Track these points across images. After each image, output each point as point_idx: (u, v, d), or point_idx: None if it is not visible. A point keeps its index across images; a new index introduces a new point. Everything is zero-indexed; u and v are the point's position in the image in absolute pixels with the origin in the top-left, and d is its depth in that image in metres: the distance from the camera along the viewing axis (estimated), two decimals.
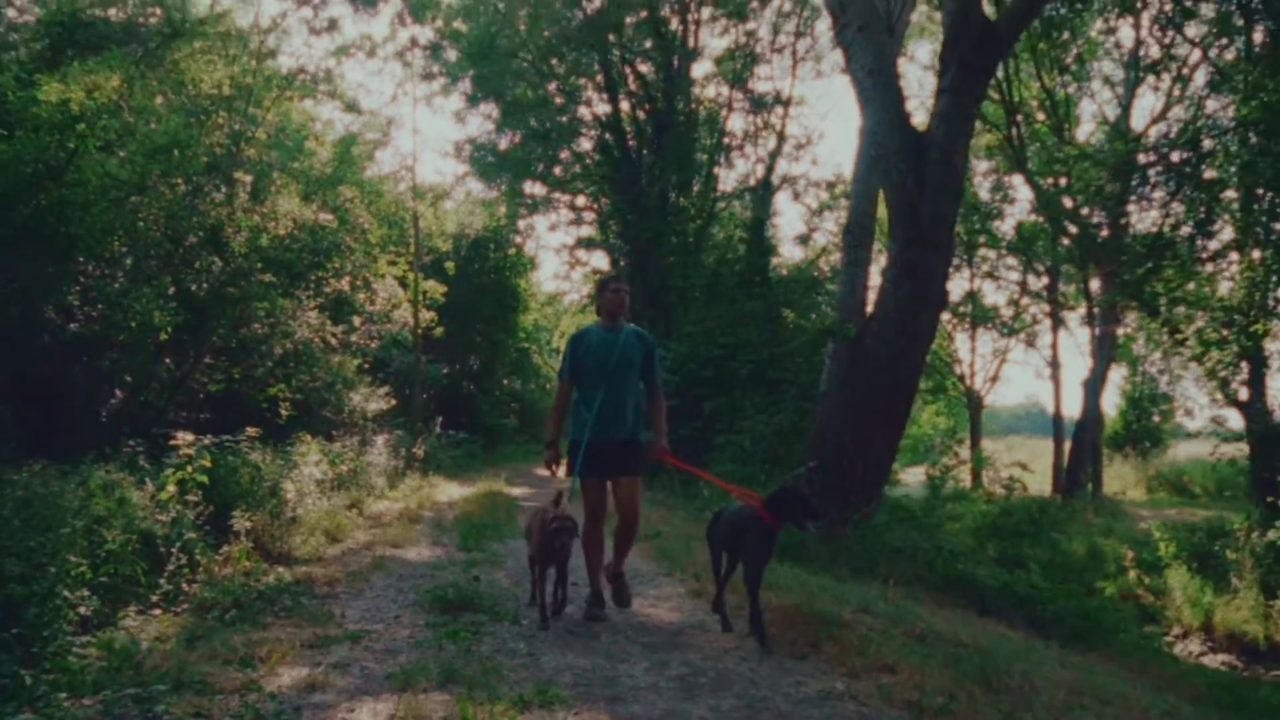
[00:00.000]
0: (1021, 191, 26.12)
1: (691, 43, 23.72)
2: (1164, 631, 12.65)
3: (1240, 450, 15.78)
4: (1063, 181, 19.28)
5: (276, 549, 8.12)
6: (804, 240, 28.10)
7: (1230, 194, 15.46)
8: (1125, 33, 21.22)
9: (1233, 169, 15.23)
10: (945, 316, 29.51)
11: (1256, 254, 14.64)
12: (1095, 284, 21.51)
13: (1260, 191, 14.55)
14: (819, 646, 5.06)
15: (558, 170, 27.05)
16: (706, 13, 24.10)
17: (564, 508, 5.63)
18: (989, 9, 17.79)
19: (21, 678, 4.12)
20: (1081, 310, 23.95)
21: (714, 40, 25.77)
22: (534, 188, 27.75)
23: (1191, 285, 15.94)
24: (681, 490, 14.15)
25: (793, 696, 4.30)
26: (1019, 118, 20.22)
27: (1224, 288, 15.83)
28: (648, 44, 23.46)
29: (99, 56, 11.09)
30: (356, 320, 17.30)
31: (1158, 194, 16.22)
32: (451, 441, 22.14)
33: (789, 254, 28.54)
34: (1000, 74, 18.58)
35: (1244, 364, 14.96)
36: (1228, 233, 15.61)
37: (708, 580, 6.27)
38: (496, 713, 3.92)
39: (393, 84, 49.08)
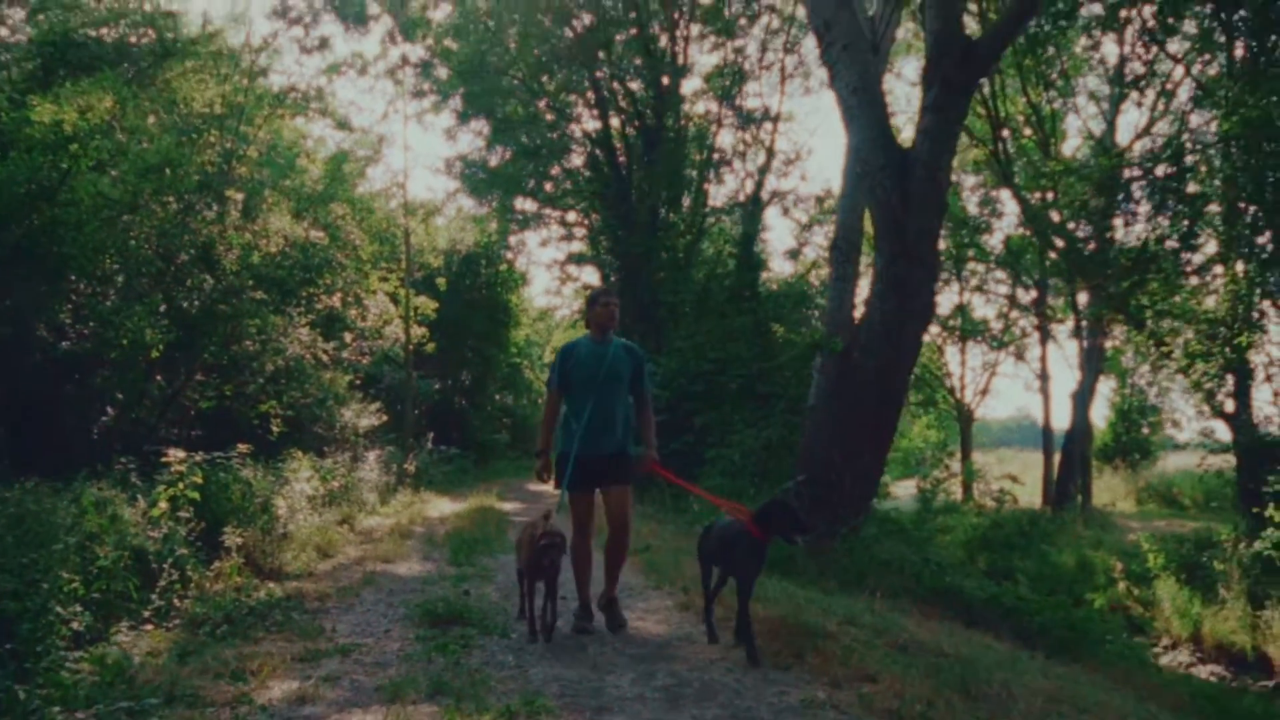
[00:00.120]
0: (1009, 206, 26.37)
1: (681, 60, 23.89)
2: (1153, 643, 12.73)
3: (1227, 462, 15.91)
4: (1050, 196, 19.46)
5: (268, 565, 8.16)
6: (794, 255, 28.29)
7: (1214, 208, 15.64)
8: (1110, 48, 21.47)
9: (1215, 183, 15.43)
10: (935, 330, 29.71)
11: (1240, 267, 14.81)
12: (1083, 297, 21.68)
13: (1242, 205, 14.72)
14: (803, 657, 5.13)
15: (548, 186, 27.19)
16: (695, 30, 24.30)
17: (553, 523, 5.64)
18: (974, 25, 18.15)
19: (15, 692, 4.16)
20: (1070, 323, 24.12)
21: (703, 57, 26.01)
22: (525, 204, 27.88)
23: (1178, 298, 16.10)
24: (672, 504, 14.21)
25: (775, 706, 4.37)
26: (1005, 133, 20.41)
27: (1209, 301, 15.99)
28: (637, 61, 23.60)
29: (91, 76, 11.17)
30: (348, 336, 17.35)
31: (1143, 208, 16.42)
32: (443, 457, 22.17)
33: (780, 268, 28.74)
34: (986, 90, 18.80)
35: (1229, 376, 15.10)
36: (1212, 246, 15.79)
37: (696, 593, 6.33)
38: None
39: (384, 101, 49.25)
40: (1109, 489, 27.65)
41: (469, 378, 30.61)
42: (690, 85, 25.60)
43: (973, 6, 18.49)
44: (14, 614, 4.94)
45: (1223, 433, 15.83)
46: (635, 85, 24.06)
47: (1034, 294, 27.45)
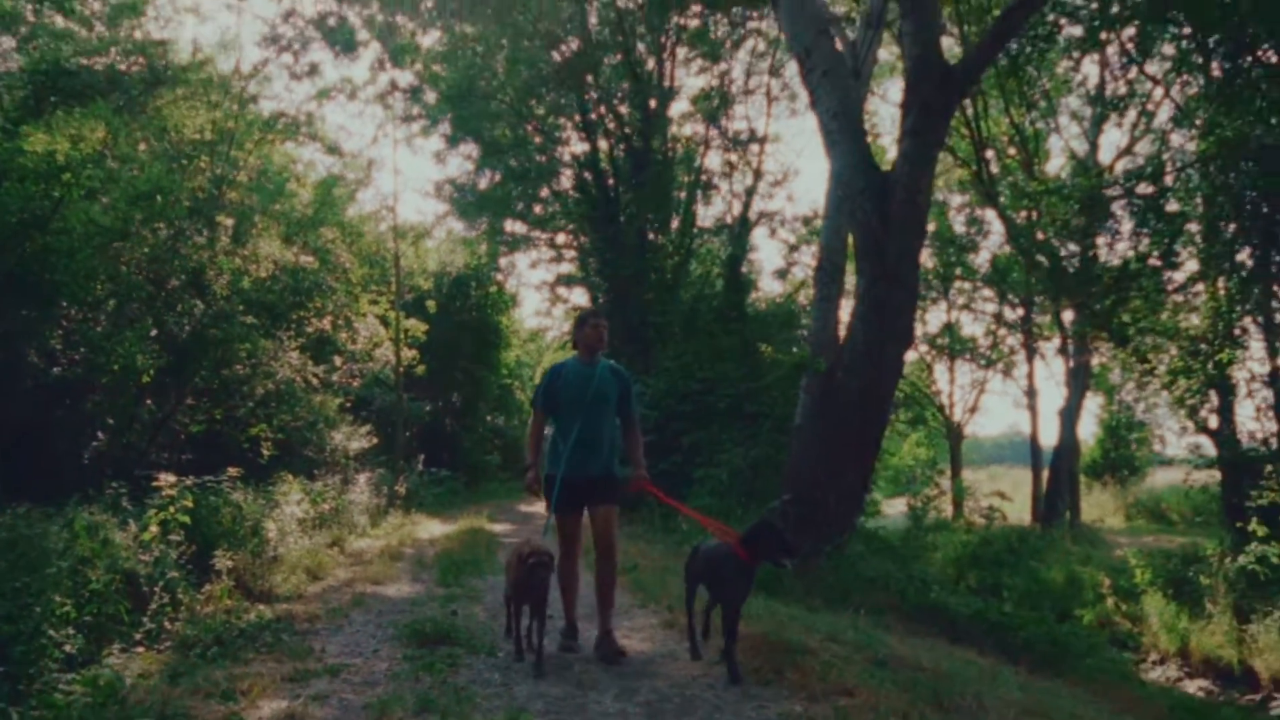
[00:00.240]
0: (995, 225, 26.64)
1: (668, 82, 24.14)
2: (1142, 658, 12.80)
3: (1212, 477, 16.04)
4: (1033, 215, 19.67)
5: (258, 587, 8.24)
6: (782, 274, 28.50)
7: (1194, 226, 15.83)
8: (1090, 69, 21.78)
9: (1195, 201, 15.64)
10: (924, 348, 29.94)
11: (1221, 283, 14.98)
12: (1068, 315, 21.87)
13: (1222, 224, 14.92)
14: (783, 673, 5.22)
15: (538, 209, 27.34)
16: (682, 53, 24.56)
17: (539, 542, 5.68)
18: (956, 45, 18.41)
19: (9, 714, 4.26)
20: (1056, 341, 24.31)
21: (690, 80, 26.21)
22: (514, 226, 28.01)
23: (1163, 315, 16.27)
24: (661, 524, 14.28)
25: None
26: (990, 153, 20.64)
27: (1191, 318, 16.17)
28: (624, 85, 23.84)
29: (83, 105, 11.30)
30: (338, 359, 17.45)
31: (1125, 226, 16.61)
32: (434, 479, 22.20)
33: (769, 288, 28.94)
34: (969, 111, 19.05)
35: (1212, 392, 15.24)
36: (1194, 264, 15.97)
37: (681, 612, 6.41)
38: None
39: (373, 126, 49.54)
40: (1098, 505, 27.78)
41: (459, 399, 30.64)
42: (678, 108, 25.89)
43: (954, 29, 18.82)
44: (7, 637, 5.03)
45: (1208, 448, 15.96)
46: (623, 108, 24.27)
47: (1020, 312, 27.69)
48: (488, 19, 20.27)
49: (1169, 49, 17.19)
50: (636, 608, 7.77)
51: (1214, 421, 15.38)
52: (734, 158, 25.85)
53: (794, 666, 5.27)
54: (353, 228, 19.11)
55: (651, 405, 17.30)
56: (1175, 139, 17.87)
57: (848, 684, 4.90)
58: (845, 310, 13.90)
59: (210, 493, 8.76)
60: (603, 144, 24.33)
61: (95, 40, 13.42)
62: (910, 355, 30.30)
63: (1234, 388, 15.12)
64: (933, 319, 30.17)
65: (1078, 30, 17.18)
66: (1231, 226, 14.63)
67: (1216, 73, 15.56)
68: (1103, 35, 17.29)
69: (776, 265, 39.15)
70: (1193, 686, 11.66)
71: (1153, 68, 18.30)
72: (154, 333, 11.65)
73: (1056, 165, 25.51)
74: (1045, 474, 23.61)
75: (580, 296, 28.78)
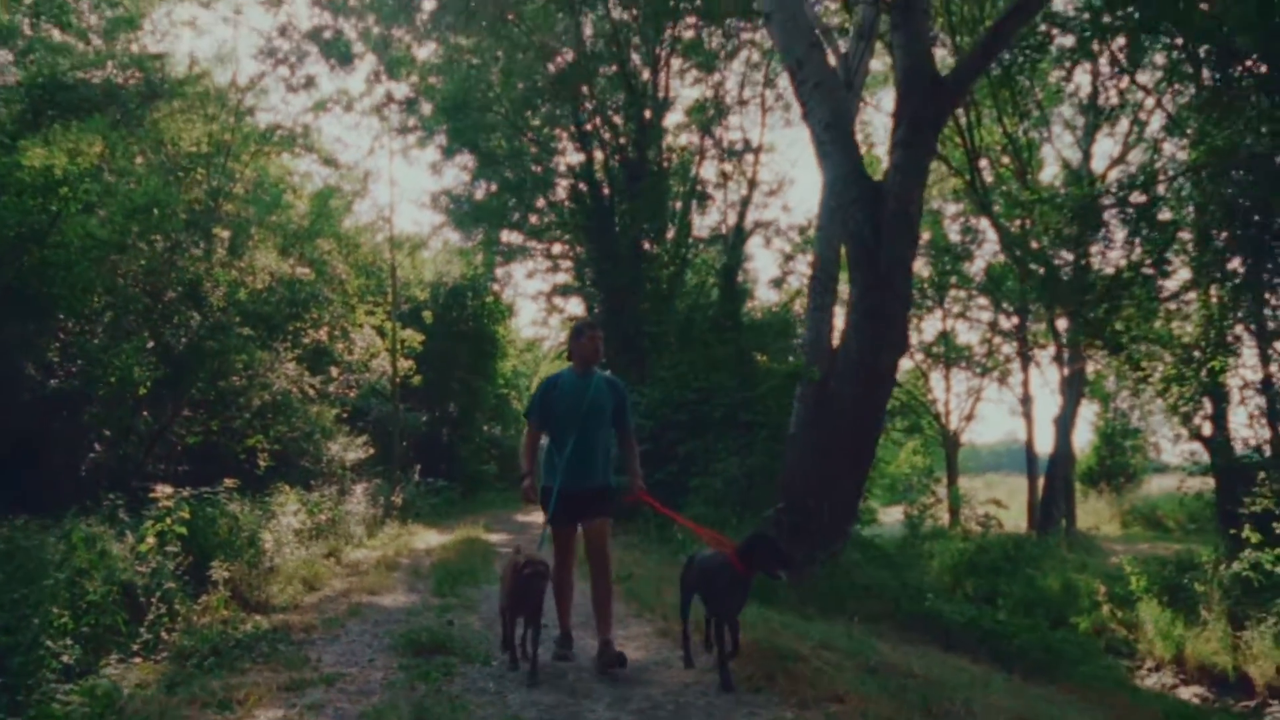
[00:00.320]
0: (990, 233, 26.71)
1: (662, 93, 24.26)
2: (1137, 665, 12.84)
3: (1206, 484, 16.08)
4: (1027, 224, 19.76)
5: (254, 598, 8.28)
6: (778, 283, 28.57)
7: (1187, 235, 15.91)
8: (1083, 79, 21.89)
9: (1186, 210, 15.73)
10: (920, 356, 30.02)
11: (1214, 291, 15.05)
12: (1062, 323, 21.95)
13: (1214, 232, 15.00)
14: (774, 679, 5.28)
15: (533, 219, 27.39)
16: (677, 64, 24.68)
17: (534, 552, 5.69)
18: (949, 56, 18.52)
19: None
20: (1051, 349, 24.39)
21: (685, 90, 26.34)
22: (511, 236, 28.04)
23: (1159, 323, 16.34)
24: (656, 534, 14.31)
25: None
26: (984, 162, 20.74)
27: (1185, 325, 16.24)
28: (620, 97, 23.97)
29: (80, 118, 11.38)
30: (334, 370, 17.50)
31: (1119, 234, 16.68)
32: (430, 489, 22.20)
33: (765, 297, 29.02)
34: (962, 121, 19.18)
35: (1206, 400, 15.30)
36: (1186, 272, 16.05)
37: (675, 621, 6.46)
38: None
39: (369, 137, 49.52)
40: (1094, 512, 27.83)
41: (456, 409, 30.65)
42: (673, 118, 26.00)
43: (946, 39, 18.95)
44: (6, 648, 5.08)
45: (1203, 455, 16.01)
46: (618, 119, 24.38)
47: (1015, 320, 27.78)
48: (483, 32, 20.39)
49: (1160, 58, 17.35)
50: (631, 617, 7.82)
51: (1208, 428, 15.43)
52: (729, 167, 25.95)
53: (785, 673, 5.32)
54: (349, 239, 19.19)
55: (647, 415, 17.34)
56: (1167, 148, 17.99)
57: (838, 690, 4.96)
58: (840, 319, 13.96)
59: (207, 504, 8.79)
60: (598, 154, 24.43)
61: (92, 54, 13.49)
62: (906, 364, 30.47)
63: (1227, 395, 15.17)
64: (928, 327, 30.28)
65: (1070, 40, 17.34)
66: (1223, 235, 14.71)
67: (1208, 82, 15.69)
68: (1094, 46, 17.44)
69: (772, 274, 39.24)
70: (1188, 693, 11.69)
71: (1144, 77, 18.46)
72: (151, 345, 11.71)
73: (1051, 174, 25.66)
74: (1041, 481, 23.66)
75: (576, 306, 28.85)
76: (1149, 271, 15.79)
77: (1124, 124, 21.42)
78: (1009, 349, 29.29)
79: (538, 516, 6.17)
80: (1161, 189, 15.78)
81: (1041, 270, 18.36)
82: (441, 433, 29.41)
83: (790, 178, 49.84)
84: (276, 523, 10.08)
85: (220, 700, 4.91)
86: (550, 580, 5.76)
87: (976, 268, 28.21)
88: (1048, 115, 23.13)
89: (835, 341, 12.26)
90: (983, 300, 29.06)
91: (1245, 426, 14.98)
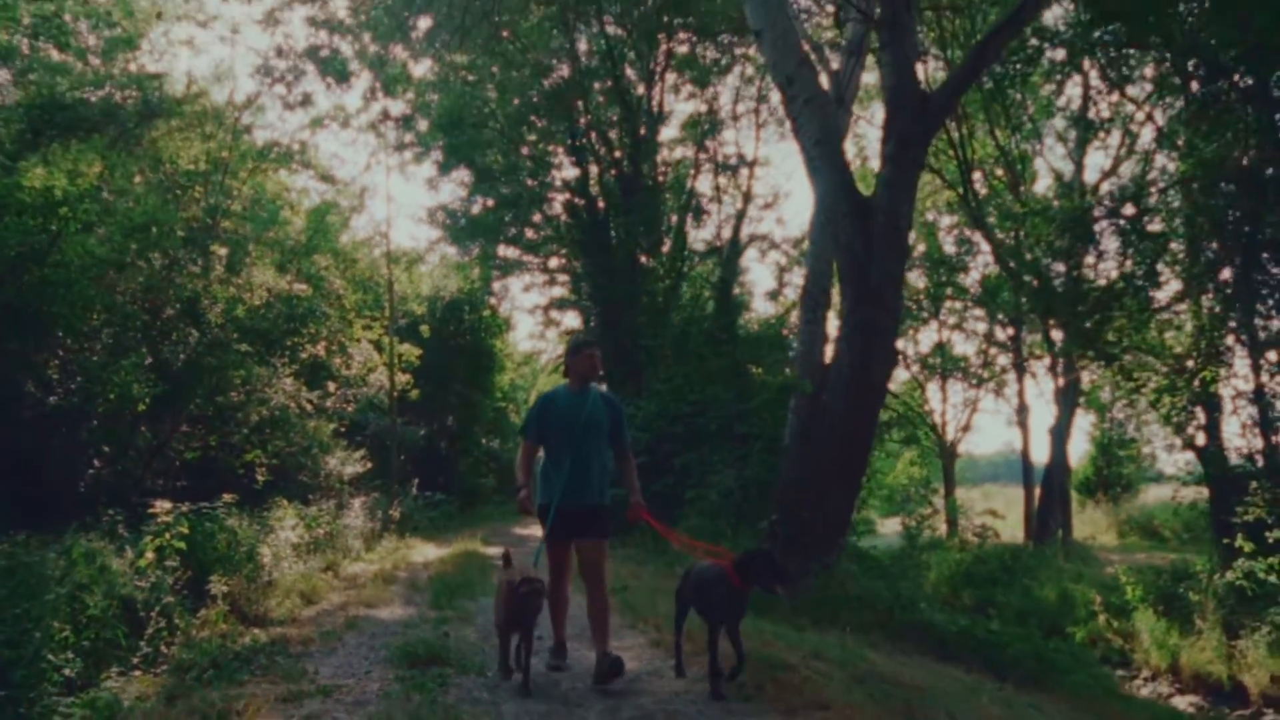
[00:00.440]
0: (984, 245, 26.81)
1: (657, 107, 24.45)
2: (1133, 674, 12.90)
3: (1200, 493, 16.16)
4: (1021, 235, 19.90)
5: (253, 611, 8.36)
6: (774, 296, 28.71)
7: (1177, 246, 16.03)
8: (1074, 91, 22.06)
9: (1177, 222, 15.87)
10: (916, 368, 30.12)
11: (1205, 302, 15.17)
12: (1058, 334, 22.04)
13: (1204, 243, 15.12)
14: (763, 688, 5.37)
15: (530, 234, 27.53)
16: (671, 79, 24.88)
17: (527, 570, 5.70)
18: (942, 68, 18.69)
19: None
20: (1046, 360, 24.46)
21: (680, 105, 26.55)
22: (507, 251, 28.16)
23: (1152, 333, 16.45)
24: (652, 546, 14.37)
25: None
26: (978, 174, 20.88)
27: (1178, 335, 16.36)
28: (614, 112, 24.14)
29: (79, 138, 11.51)
30: (332, 385, 17.58)
31: (1112, 245, 16.81)
32: (428, 502, 22.22)
33: (762, 309, 29.14)
34: (954, 134, 19.34)
35: (1199, 409, 15.39)
36: (1178, 282, 16.16)
37: (668, 632, 6.53)
38: None
39: (366, 153, 49.69)
40: (1091, 522, 27.86)
41: (454, 423, 30.71)
42: (668, 133, 26.19)
43: (939, 53, 19.14)
44: (8, 661, 5.17)
45: (1197, 465, 16.09)
46: (613, 134, 24.55)
47: (1011, 331, 27.87)
48: (478, 49, 20.57)
49: (1149, 71, 17.52)
50: (625, 628, 7.89)
51: (1201, 438, 15.51)
52: (724, 181, 26.12)
53: (775, 683, 5.41)
54: (346, 254, 19.34)
55: (643, 427, 17.42)
56: (1159, 160, 18.16)
57: (825, 699, 5.05)
58: (832, 332, 14.04)
59: (205, 519, 8.87)
60: (593, 169, 24.59)
61: (91, 74, 13.62)
62: (902, 375, 30.60)
63: (1220, 404, 15.26)
64: (924, 338, 30.40)
65: (1060, 54, 17.51)
66: (1213, 246, 14.83)
67: (1197, 94, 15.84)
68: (1084, 63, 17.62)
69: (768, 286, 39.38)
70: (1183, 702, 11.75)
71: (1135, 90, 18.62)
72: (149, 361, 11.80)
73: (1044, 185, 25.81)
74: (1037, 492, 23.72)
75: (573, 320, 28.96)
76: (1140, 282, 15.92)
77: (1115, 136, 21.57)
78: (1005, 360, 29.40)
79: (535, 530, 6.23)
80: (1152, 201, 15.92)
81: (1035, 282, 18.50)
82: (439, 446, 29.45)
83: (785, 191, 50.34)
84: (274, 537, 10.16)
85: (219, 712, 4.99)
86: (546, 596, 5.76)
87: (972, 279, 28.35)
88: (1040, 128, 23.29)
89: (827, 354, 12.39)
90: (978, 311, 29.15)
91: (1238, 436, 15.09)
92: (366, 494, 16.95)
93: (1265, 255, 14.01)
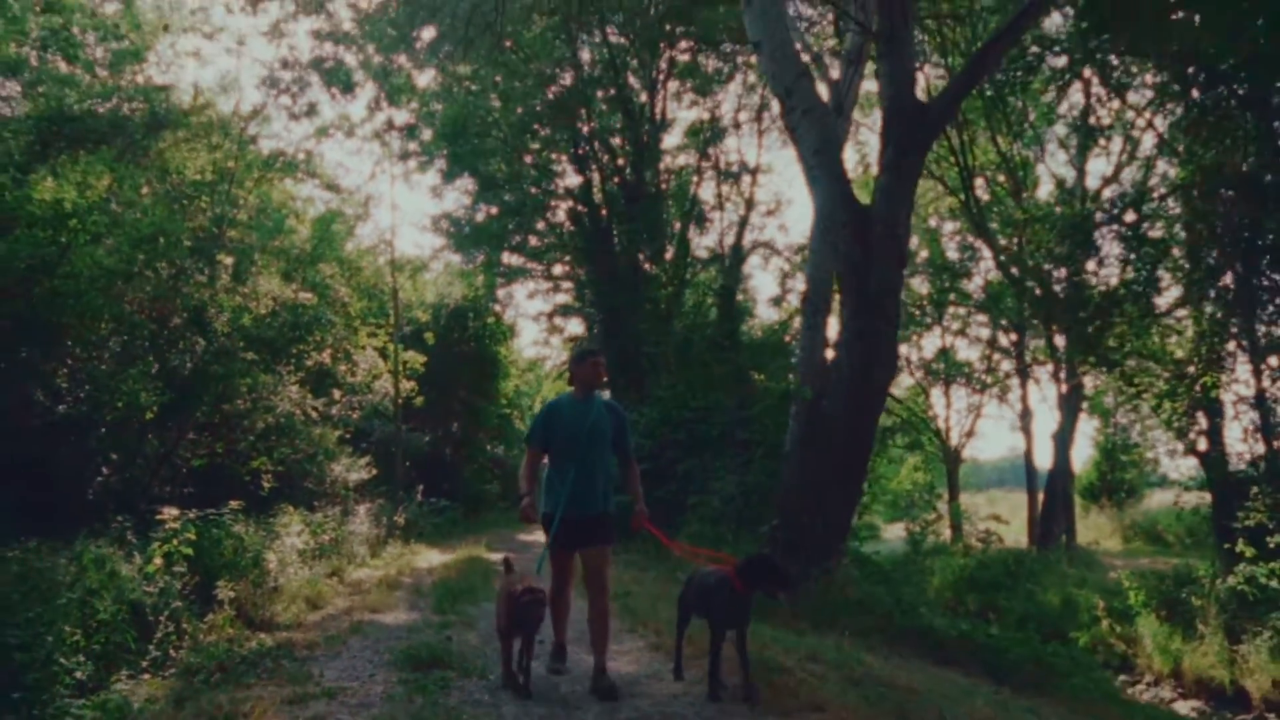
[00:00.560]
0: (987, 251, 26.87)
1: (659, 116, 24.56)
2: (1136, 679, 12.95)
3: (1203, 499, 16.19)
4: (1022, 241, 19.97)
5: (259, 616, 8.48)
6: (777, 302, 28.78)
7: (1178, 252, 16.08)
8: (1076, 97, 22.11)
9: (1177, 228, 15.93)
10: (920, 373, 30.18)
11: (1207, 309, 15.22)
12: (1061, 339, 22.08)
13: (1204, 250, 15.17)
14: (759, 691, 5.45)
15: (534, 241, 27.65)
16: (674, 86, 25.01)
17: (528, 578, 5.75)
18: (943, 75, 18.77)
19: None
20: (1049, 366, 24.49)
21: (682, 113, 26.64)
22: (511, 258, 28.28)
23: (1155, 339, 16.49)
24: (654, 552, 14.45)
25: None
26: (980, 180, 20.95)
27: (1178, 340, 16.41)
28: (617, 121, 24.26)
29: (87, 149, 11.65)
30: (337, 392, 17.69)
31: (1114, 251, 16.86)
32: (433, 509, 22.28)
33: (765, 315, 29.21)
34: (956, 141, 19.44)
35: (1200, 415, 15.43)
36: (1179, 288, 16.21)
37: (667, 636, 6.62)
38: None
39: (371, 162, 49.82)
40: (1095, 527, 27.85)
41: (458, 429, 30.78)
42: (670, 140, 26.31)
43: (940, 60, 19.23)
44: (21, 664, 5.30)
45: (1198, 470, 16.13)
46: (615, 141, 24.67)
47: (1014, 336, 27.91)
48: (481, 60, 20.71)
49: (1150, 78, 17.57)
50: (626, 632, 7.98)
51: (1203, 444, 15.55)
52: (726, 188, 26.23)
53: (770, 685, 5.51)
54: (351, 262, 19.45)
55: (645, 434, 17.49)
56: (1160, 166, 18.21)
57: (820, 700, 5.15)
58: (834, 337, 14.10)
59: (212, 525, 9.00)
60: (596, 177, 24.71)
61: (99, 86, 13.77)
62: (906, 380, 30.66)
63: (1222, 410, 15.30)
64: (928, 344, 30.47)
65: (1061, 61, 17.57)
66: (1214, 252, 14.88)
67: (1196, 92, 15.87)
68: (1084, 71, 17.67)
69: (772, 293, 39.45)
70: (1186, 707, 11.78)
71: (1135, 97, 18.67)
72: (156, 370, 11.92)
73: (1046, 191, 25.87)
74: (1041, 497, 23.74)
75: (577, 326, 29.06)
76: (1140, 288, 15.97)
77: (1117, 142, 21.63)
78: (1008, 365, 29.43)
79: (539, 536, 6.29)
80: (1152, 207, 15.98)
81: (1037, 289, 18.56)
82: (444, 453, 29.51)
83: (787, 198, 50.23)
84: (280, 543, 10.29)
85: (226, 714, 5.11)
86: (547, 603, 5.83)
87: (975, 285, 28.41)
88: (1041, 134, 23.36)
89: (828, 361, 12.46)
90: (981, 317, 29.22)
91: (1240, 441, 15.12)
92: (371, 500, 17.03)
93: (1265, 261, 14.05)
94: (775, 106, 25.17)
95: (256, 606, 8.59)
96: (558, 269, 28.80)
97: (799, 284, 27.87)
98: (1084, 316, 16.53)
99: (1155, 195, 16.68)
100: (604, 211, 24.37)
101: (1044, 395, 27.93)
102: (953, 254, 28.43)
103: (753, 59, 23.73)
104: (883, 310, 10.30)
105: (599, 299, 24.26)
